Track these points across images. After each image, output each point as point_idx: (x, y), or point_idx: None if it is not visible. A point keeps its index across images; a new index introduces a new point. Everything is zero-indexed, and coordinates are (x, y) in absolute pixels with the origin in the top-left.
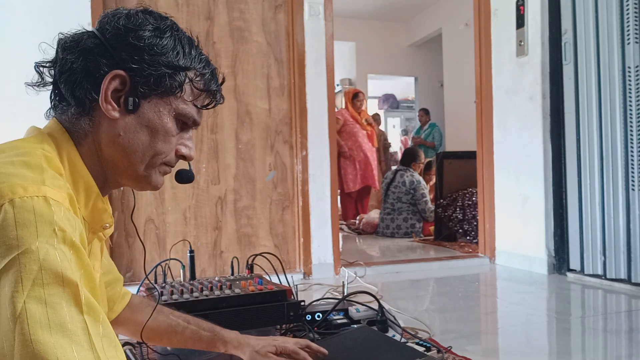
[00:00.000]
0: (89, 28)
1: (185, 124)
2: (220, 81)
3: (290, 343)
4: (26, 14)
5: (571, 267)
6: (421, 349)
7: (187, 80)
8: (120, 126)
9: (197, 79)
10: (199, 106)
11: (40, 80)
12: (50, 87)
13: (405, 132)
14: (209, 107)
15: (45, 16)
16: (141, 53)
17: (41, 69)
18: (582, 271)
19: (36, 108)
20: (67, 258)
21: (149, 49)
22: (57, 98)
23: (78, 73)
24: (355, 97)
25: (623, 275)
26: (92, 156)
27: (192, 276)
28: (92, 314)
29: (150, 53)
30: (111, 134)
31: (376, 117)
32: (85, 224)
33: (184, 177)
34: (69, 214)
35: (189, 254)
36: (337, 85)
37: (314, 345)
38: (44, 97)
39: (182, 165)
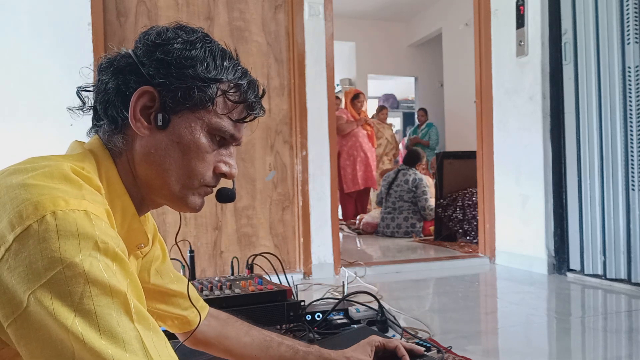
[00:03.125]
0: (127, 50)
1: (223, 139)
2: (260, 92)
3: (394, 342)
4: (25, 14)
5: (571, 267)
6: (421, 349)
7: (219, 92)
8: (152, 143)
9: (232, 90)
10: (234, 119)
11: (82, 104)
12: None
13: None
14: (247, 120)
15: (44, 16)
16: (168, 67)
17: (83, 93)
18: (582, 271)
19: (37, 107)
20: (111, 269)
21: (176, 62)
22: (95, 118)
23: (110, 92)
24: (355, 98)
25: (623, 275)
26: (128, 175)
27: (192, 276)
28: (142, 322)
29: (178, 66)
30: (143, 151)
31: (384, 113)
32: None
33: (225, 196)
34: (109, 228)
35: (189, 254)
36: (337, 85)
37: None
38: (44, 98)
39: (224, 183)
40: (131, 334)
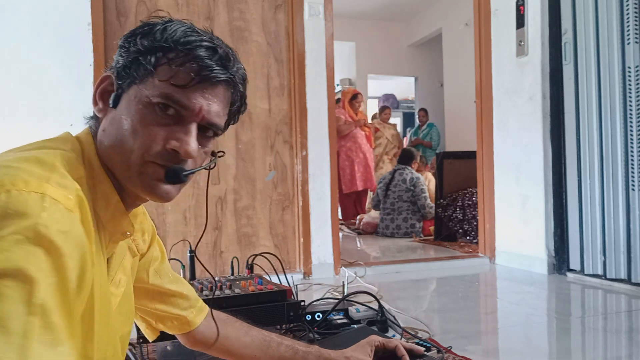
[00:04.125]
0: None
1: (177, 113)
2: (218, 53)
3: (394, 341)
4: (25, 14)
5: (571, 267)
6: (421, 349)
7: (164, 60)
8: (106, 122)
9: (180, 56)
10: (179, 85)
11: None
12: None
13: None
14: (192, 84)
15: (45, 16)
16: (123, 49)
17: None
18: (582, 271)
19: (37, 107)
20: (36, 258)
21: (128, 43)
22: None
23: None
24: (354, 98)
25: (623, 275)
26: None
27: (192, 276)
28: (43, 318)
29: (127, 46)
30: (100, 132)
31: (387, 113)
32: (104, 231)
33: (172, 174)
34: (69, 217)
35: (189, 254)
36: (337, 85)
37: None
38: (44, 98)
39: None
40: (19, 325)
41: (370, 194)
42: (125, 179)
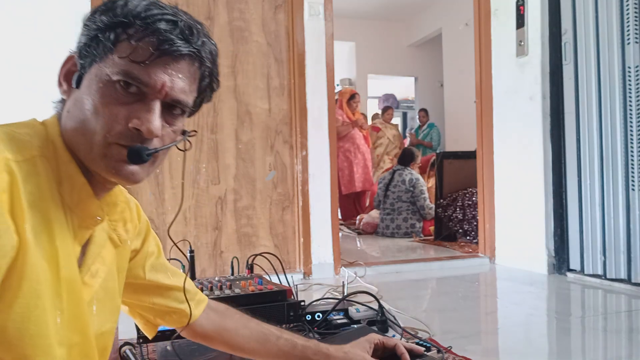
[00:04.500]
0: None
1: (139, 90)
2: (179, 26)
3: (393, 340)
4: (26, 13)
5: (571, 267)
6: (421, 349)
7: (124, 36)
8: (70, 103)
9: (139, 31)
10: (138, 61)
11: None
12: None
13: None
14: (151, 58)
15: (45, 15)
16: (85, 27)
17: None
18: (582, 271)
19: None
20: None
21: (88, 23)
22: None
23: None
24: (351, 99)
25: (623, 275)
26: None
27: (192, 276)
28: None
29: (90, 25)
30: (64, 113)
31: (389, 113)
32: (72, 215)
33: (134, 153)
34: None
35: (189, 254)
36: (337, 85)
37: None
38: (45, 99)
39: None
40: None
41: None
42: (89, 162)
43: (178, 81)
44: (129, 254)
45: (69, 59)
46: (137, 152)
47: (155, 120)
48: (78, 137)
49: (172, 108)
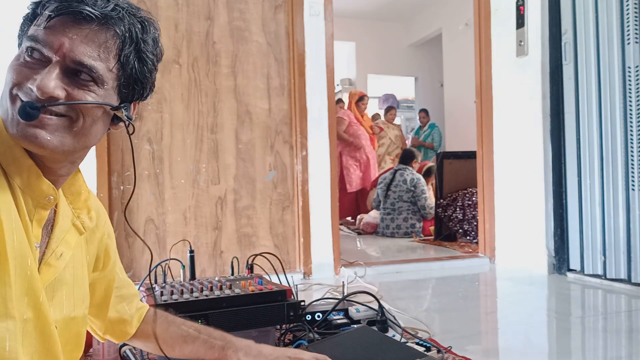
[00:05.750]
0: None
1: (40, 53)
2: None
3: (307, 356)
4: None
5: (571, 267)
6: (421, 349)
7: (38, 10)
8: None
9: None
10: (40, 25)
11: None
12: None
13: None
14: (50, 22)
15: None
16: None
17: None
18: (582, 271)
19: None
20: None
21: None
22: None
23: None
24: (360, 100)
25: (623, 275)
26: None
27: (192, 276)
28: None
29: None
30: None
31: (392, 113)
32: (26, 196)
33: (22, 110)
34: None
35: (189, 254)
36: (337, 85)
37: None
38: None
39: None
40: None
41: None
42: (11, 134)
43: (80, 44)
44: (98, 243)
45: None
46: (23, 108)
47: (48, 79)
48: (3, 112)
49: (78, 72)
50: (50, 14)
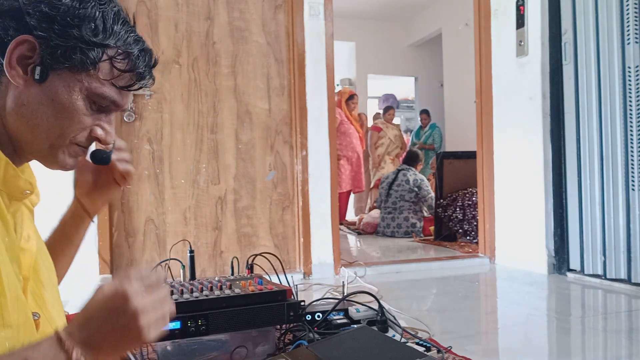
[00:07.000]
0: None
1: (102, 105)
2: (152, 62)
3: (106, 287)
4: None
5: (571, 267)
6: (421, 349)
7: (104, 57)
8: (25, 96)
9: (120, 57)
10: (118, 86)
11: None
12: None
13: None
14: (132, 88)
15: None
16: (52, 22)
17: None
18: (582, 271)
19: None
20: None
21: (61, 18)
22: None
23: None
24: (350, 99)
25: (623, 275)
26: None
27: (192, 276)
28: None
29: (62, 24)
30: (15, 102)
31: (390, 114)
32: (0, 193)
33: (99, 157)
34: None
35: (189, 254)
36: (337, 85)
37: None
38: None
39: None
40: None
41: (367, 195)
42: (34, 153)
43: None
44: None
45: (24, 41)
46: (101, 157)
47: (113, 131)
48: (30, 130)
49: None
50: (130, 83)
